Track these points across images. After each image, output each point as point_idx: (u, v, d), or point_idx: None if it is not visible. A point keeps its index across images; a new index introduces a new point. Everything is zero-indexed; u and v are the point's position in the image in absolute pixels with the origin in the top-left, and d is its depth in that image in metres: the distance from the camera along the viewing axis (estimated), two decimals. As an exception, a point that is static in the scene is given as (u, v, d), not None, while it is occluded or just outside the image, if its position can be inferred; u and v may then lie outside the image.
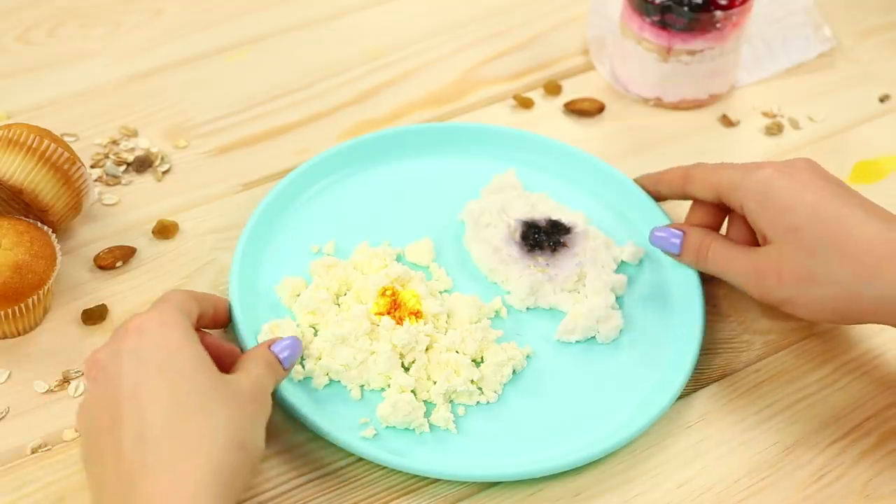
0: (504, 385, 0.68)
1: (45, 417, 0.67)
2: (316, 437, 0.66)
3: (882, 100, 0.90)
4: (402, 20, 0.95)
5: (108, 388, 0.57)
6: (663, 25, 0.83)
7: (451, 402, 0.68)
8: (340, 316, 0.69)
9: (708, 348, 0.72)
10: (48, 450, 0.66)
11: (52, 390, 0.69)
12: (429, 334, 0.69)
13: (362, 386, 0.68)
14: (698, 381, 0.71)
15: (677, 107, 0.88)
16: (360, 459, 0.65)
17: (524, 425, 0.67)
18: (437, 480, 0.65)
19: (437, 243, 0.75)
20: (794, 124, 0.87)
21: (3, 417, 0.67)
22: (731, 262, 0.68)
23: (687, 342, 0.70)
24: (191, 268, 0.75)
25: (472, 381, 0.67)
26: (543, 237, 0.74)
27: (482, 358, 0.69)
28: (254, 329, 0.69)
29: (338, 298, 0.71)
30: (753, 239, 0.69)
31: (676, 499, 0.65)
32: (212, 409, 0.56)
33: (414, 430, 0.66)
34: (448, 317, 0.71)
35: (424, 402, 0.67)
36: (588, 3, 0.94)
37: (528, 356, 0.70)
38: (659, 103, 0.88)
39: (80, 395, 0.68)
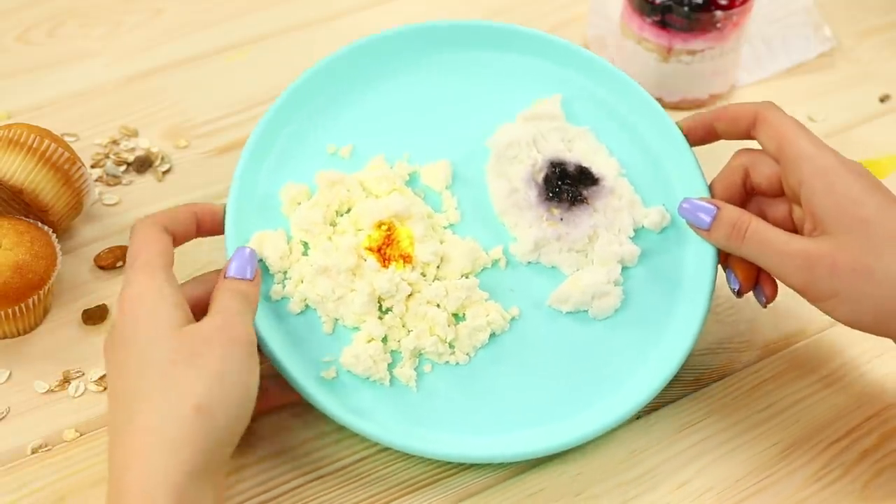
0: (479, 348, 0.67)
1: (45, 417, 0.68)
2: (318, 435, 0.66)
3: (882, 100, 0.90)
4: (402, 20, 0.94)
5: (107, 372, 0.59)
6: (663, 25, 0.83)
7: (419, 355, 0.66)
8: (330, 243, 0.67)
9: (708, 348, 0.72)
10: (48, 450, 0.66)
11: (52, 390, 0.69)
12: (412, 283, 0.66)
13: (336, 319, 0.66)
14: (698, 381, 0.71)
15: (678, 107, 0.88)
16: (363, 459, 0.65)
17: (491, 396, 0.65)
18: (438, 480, 0.65)
19: (460, 166, 0.71)
20: (795, 124, 0.87)
21: (3, 417, 0.68)
22: (774, 245, 0.63)
23: (685, 330, 0.66)
24: (190, 268, 0.75)
25: (444, 341, 0.66)
26: (566, 187, 0.70)
27: (464, 314, 0.67)
28: (244, 237, 0.67)
29: (337, 216, 0.69)
30: (788, 226, 0.66)
31: (677, 499, 0.65)
32: (165, 382, 0.56)
33: (375, 381, 0.65)
34: (441, 261, 0.68)
35: (393, 351, 0.66)
36: (588, 3, 0.94)
37: (513, 318, 0.67)
38: (659, 103, 0.88)
39: (81, 395, 0.69)
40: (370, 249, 0.67)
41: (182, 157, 0.83)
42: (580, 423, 0.65)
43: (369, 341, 0.65)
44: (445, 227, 0.70)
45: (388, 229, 0.67)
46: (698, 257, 0.68)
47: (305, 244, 0.68)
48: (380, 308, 0.66)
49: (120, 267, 0.75)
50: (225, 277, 0.62)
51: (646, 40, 0.85)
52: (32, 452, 0.66)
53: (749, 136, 0.68)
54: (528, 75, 0.74)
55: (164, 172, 0.82)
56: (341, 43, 0.93)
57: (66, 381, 0.69)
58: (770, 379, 0.71)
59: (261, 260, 0.66)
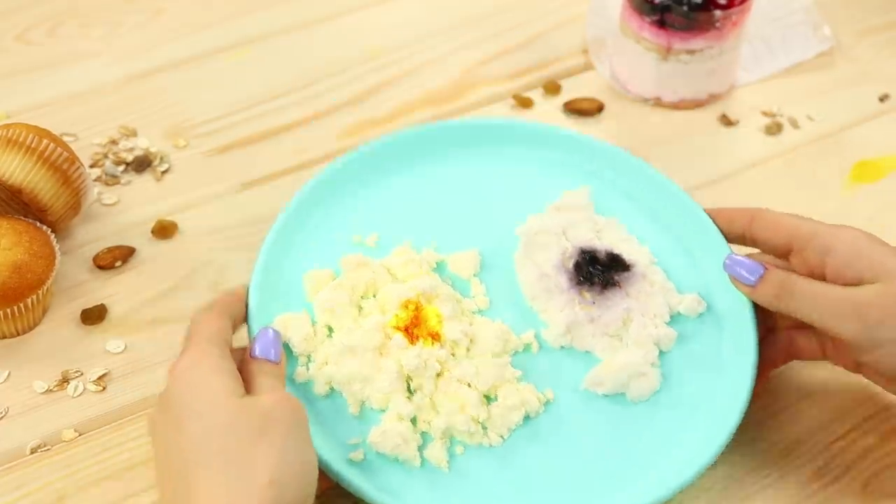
0: (513, 430, 0.64)
1: (44, 417, 0.68)
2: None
3: (882, 99, 0.90)
4: (401, 20, 0.95)
5: (154, 443, 0.57)
6: (663, 25, 0.83)
7: (450, 437, 0.63)
8: (354, 324, 0.65)
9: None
10: (47, 450, 0.66)
11: (51, 390, 0.69)
12: (441, 361, 0.64)
13: (363, 401, 0.64)
14: (698, 380, 0.71)
15: (677, 106, 0.88)
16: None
17: (527, 477, 0.62)
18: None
19: (488, 256, 0.70)
20: (794, 123, 0.87)
21: (2, 417, 0.67)
22: (824, 297, 0.62)
23: (728, 414, 0.64)
24: (189, 268, 0.75)
25: (476, 421, 0.63)
26: (597, 271, 0.68)
27: (496, 395, 0.64)
28: (267, 319, 0.65)
29: (362, 300, 0.67)
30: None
31: (677, 499, 0.65)
32: (232, 452, 0.54)
33: (404, 462, 0.62)
34: (471, 342, 0.66)
35: (423, 433, 0.63)
36: (588, 3, 0.94)
37: (547, 402, 0.65)
38: (658, 103, 0.88)
39: (80, 395, 0.69)
40: (397, 328, 0.65)
41: (181, 156, 0.83)
42: None
43: (398, 420, 0.63)
44: (474, 312, 0.68)
45: (416, 309, 0.66)
46: (737, 341, 0.67)
47: (330, 328, 0.66)
48: (408, 388, 0.64)
49: (119, 267, 0.75)
50: (252, 356, 0.61)
51: (645, 40, 0.85)
52: (31, 452, 0.66)
53: (742, 240, 0.68)
54: (556, 169, 0.75)
55: (163, 172, 0.82)
56: (341, 43, 0.93)
57: (65, 380, 0.69)
58: (770, 378, 0.71)
59: (285, 343, 0.64)
